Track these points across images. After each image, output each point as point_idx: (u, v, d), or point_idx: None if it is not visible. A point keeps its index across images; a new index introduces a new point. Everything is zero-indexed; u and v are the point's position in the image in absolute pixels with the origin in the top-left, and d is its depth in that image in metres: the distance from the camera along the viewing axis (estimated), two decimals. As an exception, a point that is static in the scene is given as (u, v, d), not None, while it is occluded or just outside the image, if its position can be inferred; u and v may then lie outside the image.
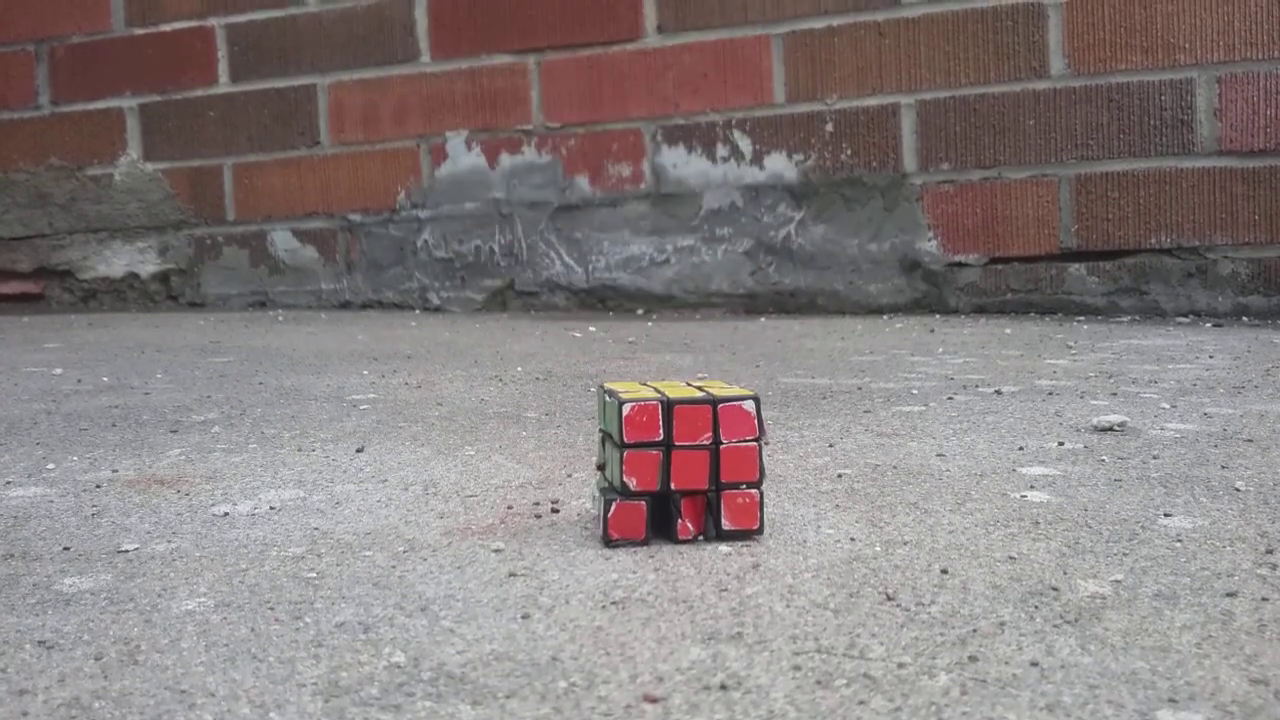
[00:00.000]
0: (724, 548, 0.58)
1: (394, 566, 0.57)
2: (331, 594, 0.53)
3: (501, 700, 0.41)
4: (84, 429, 0.97)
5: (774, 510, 0.66)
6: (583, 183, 2.07)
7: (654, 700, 0.41)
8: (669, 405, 0.58)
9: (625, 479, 0.58)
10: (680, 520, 0.59)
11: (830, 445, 0.84)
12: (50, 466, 0.82)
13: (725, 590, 0.52)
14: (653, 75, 2.01)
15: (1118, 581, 0.52)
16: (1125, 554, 0.56)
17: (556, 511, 0.67)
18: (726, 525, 0.59)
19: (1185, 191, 1.75)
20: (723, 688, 0.41)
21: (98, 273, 2.39)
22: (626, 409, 0.58)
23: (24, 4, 2.38)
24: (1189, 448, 0.80)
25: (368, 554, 0.59)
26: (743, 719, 0.39)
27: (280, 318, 2.07)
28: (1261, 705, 0.39)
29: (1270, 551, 0.56)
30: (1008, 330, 1.61)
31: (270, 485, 0.75)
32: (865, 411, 0.98)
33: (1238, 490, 0.68)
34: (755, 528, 0.60)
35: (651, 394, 0.59)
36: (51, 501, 0.72)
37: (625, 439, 0.58)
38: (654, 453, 0.58)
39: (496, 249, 2.13)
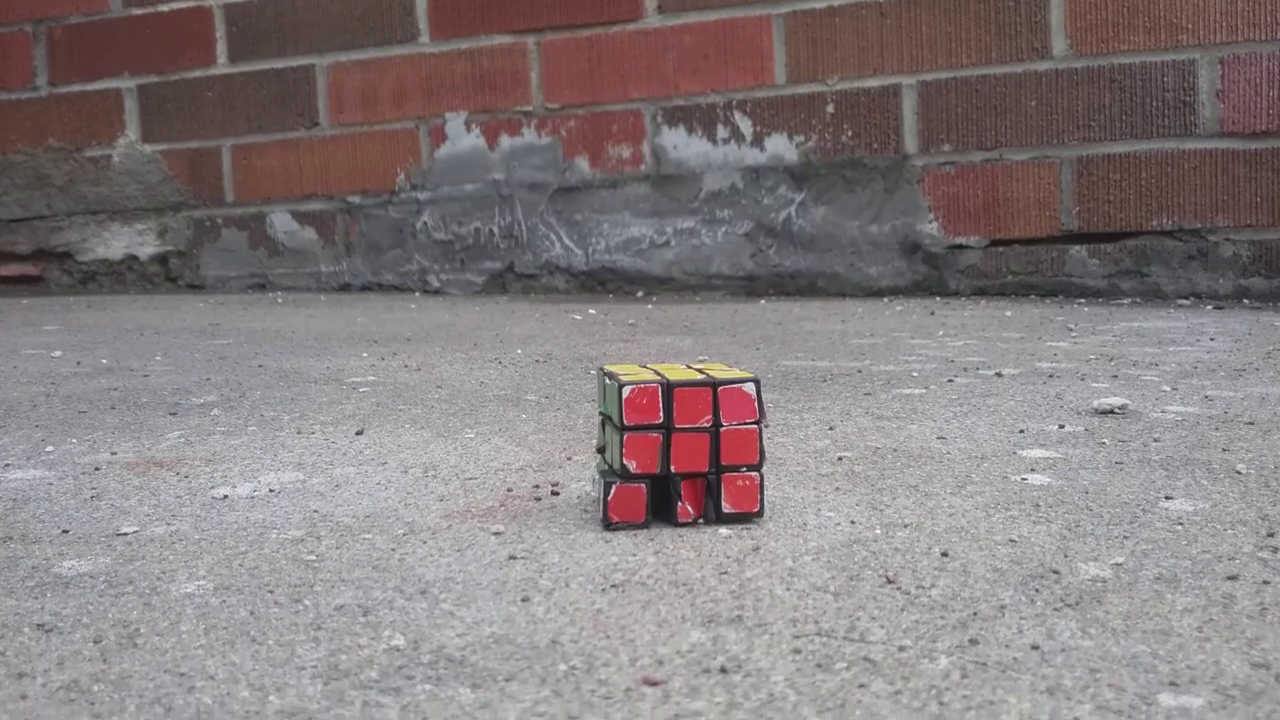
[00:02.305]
0: (724, 530, 0.58)
1: (394, 549, 0.57)
2: (331, 577, 0.53)
3: (501, 683, 0.41)
4: (83, 411, 0.96)
5: (774, 493, 0.65)
6: (582, 164, 2.06)
7: (654, 683, 0.40)
8: (669, 388, 0.58)
9: (625, 462, 0.58)
10: (680, 503, 0.59)
11: (830, 428, 0.84)
12: (49, 449, 0.82)
13: (725, 573, 0.52)
14: (653, 56, 2.00)
15: (1118, 565, 0.52)
16: (1126, 537, 0.56)
17: (556, 494, 0.67)
18: (726, 508, 0.59)
19: (1187, 173, 1.74)
20: (723, 671, 0.41)
21: (96, 255, 2.39)
22: (626, 392, 0.58)
23: (20, -16, 2.37)
24: (1190, 430, 0.80)
25: (367, 537, 0.59)
26: (743, 702, 0.39)
27: (279, 300, 2.07)
28: (1263, 689, 0.39)
29: (1271, 534, 0.56)
30: (1008, 313, 1.61)
31: (270, 468, 0.75)
32: (865, 394, 0.98)
33: (1239, 473, 0.68)
34: (755, 510, 0.59)
35: (651, 377, 0.59)
36: (50, 484, 0.72)
37: (625, 422, 0.58)
38: (654, 435, 0.58)
39: (496, 231, 2.13)
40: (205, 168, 2.29)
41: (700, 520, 0.59)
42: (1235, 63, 1.70)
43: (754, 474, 0.59)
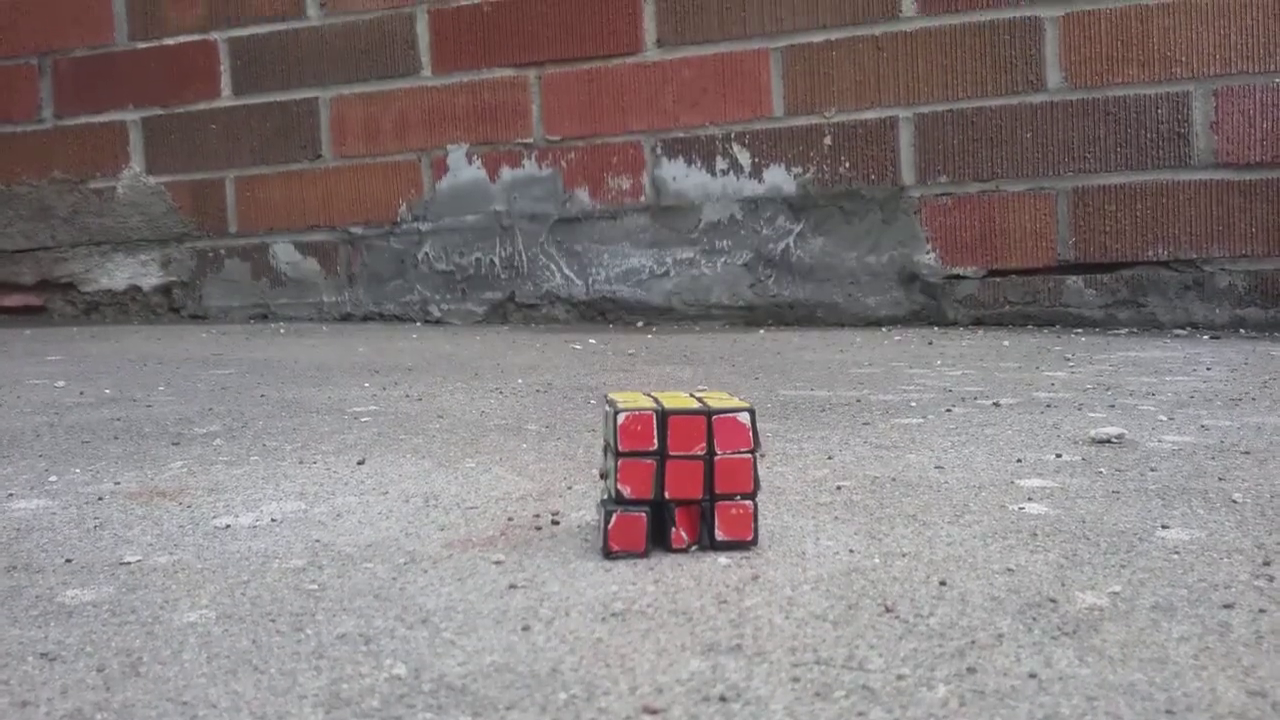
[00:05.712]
0: (723, 559, 0.59)
1: (395, 578, 0.57)
2: (333, 606, 0.53)
3: (502, 712, 0.41)
4: (86, 441, 0.97)
5: (773, 522, 0.66)
6: (583, 195, 2.08)
7: (653, 712, 0.41)
8: (663, 415, 0.59)
9: (619, 487, 0.59)
10: (674, 529, 0.59)
11: (829, 457, 0.85)
12: (53, 479, 0.83)
13: (725, 602, 0.52)
14: (652, 88, 2.02)
15: (1115, 593, 0.53)
16: (1123, 566, 0.57)
17: (557, 523, 0.67)
18: (720, 536, 0.59)
19: (1182, 204, 1.75)
20: (722, 699, 0.42)
21: (100, 285, 2.39)
22: (621, 418, 0.59)
23: (28, 17, 2.39)
24: (1186, 460, 0.81)
25: (369, 566, 0.59)
26: (742, 730, 0.39)
27: (282, 330, 2.08)
28: (1259, 717, 0.39)
29: (1267, 563, 0.57)
30: (1005, 342, 1.62)
31: (272, 497, 0.75)
32: (864, 424, 0.98)
33: (1235, 502, 0.69)
34: (749, 539, 0.60)
35: (648, 404, 0.60)
36: (54, 514, 0.73)
37: (620, 447, 0.59)
38: (648, 462, 0.59)
39: (497, 261, 2.14)
40: (209, 199, 2.31)
41: (694, 546, 0.60)
42: (1229, 94, 1.72)
43: (748, 502, 0.60)
